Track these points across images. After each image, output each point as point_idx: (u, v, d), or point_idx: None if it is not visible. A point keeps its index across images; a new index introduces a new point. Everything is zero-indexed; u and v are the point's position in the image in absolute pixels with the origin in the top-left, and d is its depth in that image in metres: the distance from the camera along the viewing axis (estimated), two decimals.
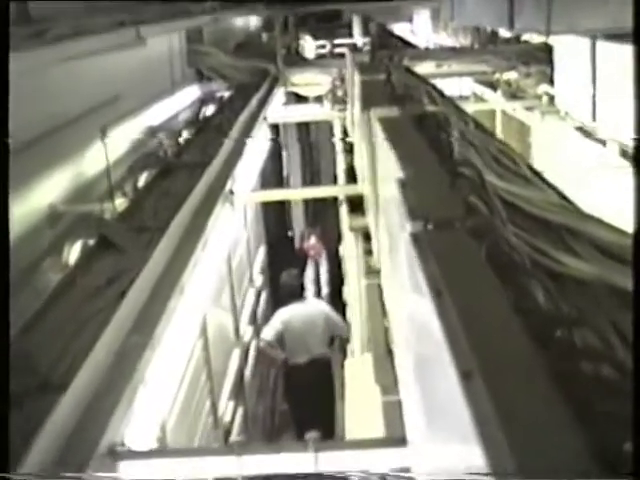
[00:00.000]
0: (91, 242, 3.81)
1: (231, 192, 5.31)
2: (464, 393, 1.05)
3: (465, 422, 1.01)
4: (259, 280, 9.13)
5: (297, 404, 8.16)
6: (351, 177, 5.49)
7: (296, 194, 10.88)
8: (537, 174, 3.19)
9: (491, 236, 1.96)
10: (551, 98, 7.12)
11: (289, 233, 14.35)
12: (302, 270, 10.25)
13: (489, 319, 1.26)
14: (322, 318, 8.00)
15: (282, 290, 8.63)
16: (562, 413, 0.99)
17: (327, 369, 7.75)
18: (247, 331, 7.64)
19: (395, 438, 2.27)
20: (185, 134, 6.53)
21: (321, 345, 7.92)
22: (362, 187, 4.55)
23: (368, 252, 4.47)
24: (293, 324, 7.97)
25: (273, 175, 13.92)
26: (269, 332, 7.98)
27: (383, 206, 3.03)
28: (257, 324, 8.37)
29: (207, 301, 4.61)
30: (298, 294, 8.54)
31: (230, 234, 5.52)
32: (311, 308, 8.23)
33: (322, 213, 12.76)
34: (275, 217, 13.72)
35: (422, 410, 1.55)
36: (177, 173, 5.04)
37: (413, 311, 1.63)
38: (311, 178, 14.98)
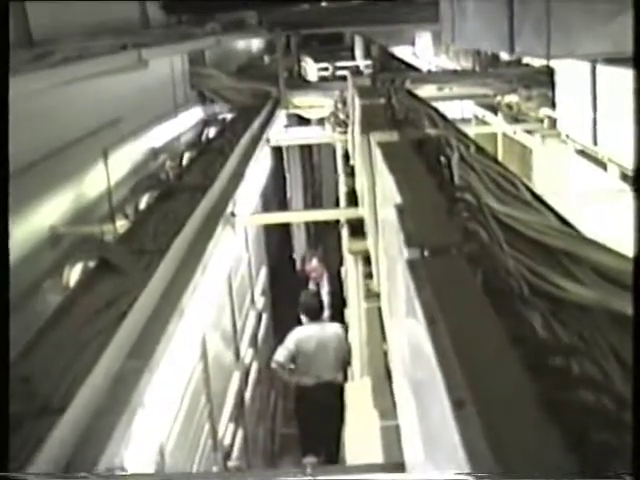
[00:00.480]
0: (91, 264, 3.82)
1: (232, 214, 5.32)
2: (456, 423, 1.05)
3: (458, 452, 1.01)
4: (260, 302, 9.12)
5: (305, 427, 8.14)
6: (352, 200, 5.50)
7: (298, 217, 10.90)
8: (537, 198, 3.20)
9: (488, 262, 1.96)
10: (552, 121, 7.14)
11: (291, 255, 14.35)
12: None
13: (483, 347, 1.26)
14: (336, 343, 7.91)
15: (301, 309, 8.56)
16: (556, 444, 0.99)
17: (336, 393, 7.71)
18: (248, 353, 7.62)
19: (393, 464, 2.26)
20: (187, 156, 6.55)
21: (332, 370, 7.88)
22: (363, 210, 4.56)
23: (368, 275, 4.47)
24: (306, 347, 7.93)
25: (275, 197, 13.95)
26: (282, 353, 7.97)
27: (382, 230, 3.04)
28: (258, 346, 8.36)
29: (207, 323, 4.60)
30: (317, 314, 8.45)
31: (231, 256, 5.52)
32: (327, 331, 8.14)
33: (324, 235, 12.77)
34: (277, 239, 13.73)
35: (419, 437, 1.54)
36: (178, 195, 5.05)
37: (409, 337, 1.63)
38: (313, 200, 15.00)
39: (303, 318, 8.45)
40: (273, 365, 8.04)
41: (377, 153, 3.16)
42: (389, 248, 2.60)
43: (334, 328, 8.16)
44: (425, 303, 1.43)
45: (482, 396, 1.10)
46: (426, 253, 1.73)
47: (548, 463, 0.95)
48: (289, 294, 10.59)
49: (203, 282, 4.02)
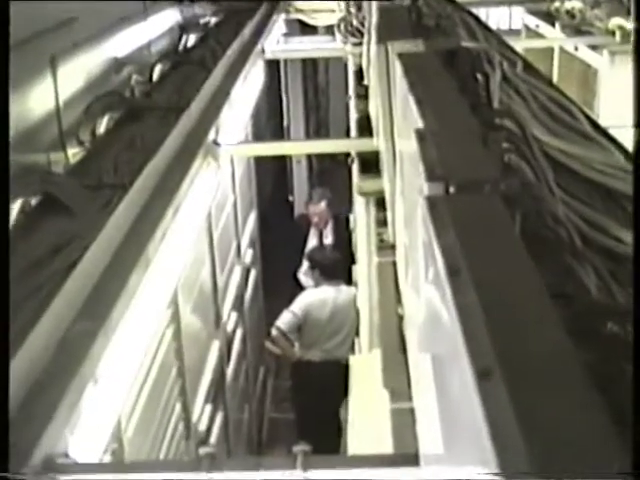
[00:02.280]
0: (33, 201, 3.81)
1: (215, 143, 5.31)
2: (480, 395, 1.05)
3: (481, 431, 1.01)
4: (248, 255, 9.14)
5: (303, 411, 8.21)
6: (366, 129, 5.49)
7: (297, 148, 10.86)
8: (601, 130, 3.19)
9: (531, 205, 1.96)
10: (626, 34, 7.07)
11: (289, 197, 14.36)
12: (303, 242, 10.27)
13: (516, 306, 1.26)
14: (352, 314, 7.84)
15: (311, 267, 8.59)
16: (600, 424, 1.00)
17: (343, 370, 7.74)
18: (231, 318, 7.66)
19: (404, 454, 2.28)
20: (158, 69, 6.52)
21: (343, 348, 7.90)
22: (378, 141, 4.55)
23: (382, 222, 4.48)
24: (317, 314, 7.96)
25: (270, 123, 13.92)
26: (286, 318, 8.04)
27: (400, 165, 3.03)
28: (244, 310, 8.40)
29: (179, 279, 4.62)
30: (332, 274, 8.42)
31: (212, 196, 5.52)
32: (344, 297, 8.14)
33: (331, 173, 12.74)
34: (271, 177, 13.72)
35: (437, 419, 1.55)
36: (147, 117, 5.04)
37: (427, 295, 1.63)
38: (317, 129, 14.97)
39: (310, 277, 8.48)
40: (274, 332, 8.10)
41: (397, 67, 3.14)
42: (408, 188, 2.59)
43: (352, 292, 8.03)
44: (446, 250, 1.42)
45: (513, 365, 1.10)
46: (451, 189, 1.72)
47: (589, 448, 0.95)
48: (284, 246, 10.63)
49: (175, 227, 4.03)
